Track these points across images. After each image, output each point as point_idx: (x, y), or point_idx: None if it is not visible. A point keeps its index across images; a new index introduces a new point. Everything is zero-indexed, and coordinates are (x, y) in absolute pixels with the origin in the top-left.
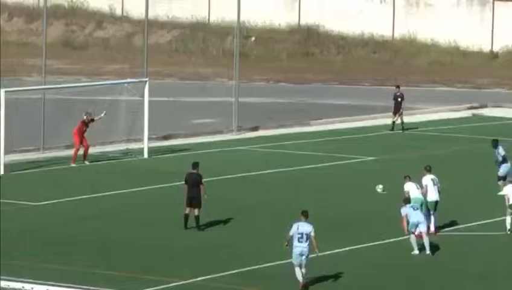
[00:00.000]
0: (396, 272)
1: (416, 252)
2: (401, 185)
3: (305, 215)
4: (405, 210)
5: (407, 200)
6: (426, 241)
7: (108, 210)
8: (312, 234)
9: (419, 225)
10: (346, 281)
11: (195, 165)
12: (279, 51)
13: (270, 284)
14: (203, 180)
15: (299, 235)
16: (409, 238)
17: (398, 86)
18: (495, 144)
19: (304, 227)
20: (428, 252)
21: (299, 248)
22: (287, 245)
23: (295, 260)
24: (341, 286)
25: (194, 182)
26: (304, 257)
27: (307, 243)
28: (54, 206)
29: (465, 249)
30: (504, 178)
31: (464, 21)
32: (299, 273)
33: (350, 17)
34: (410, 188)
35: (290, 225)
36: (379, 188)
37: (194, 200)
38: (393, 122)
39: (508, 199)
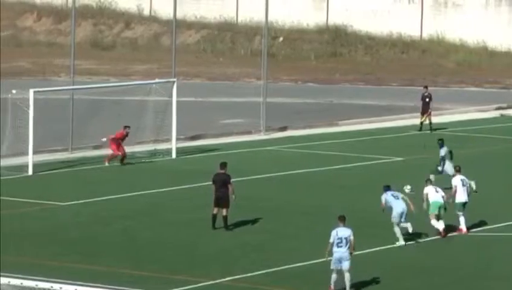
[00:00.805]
0: (424, 272)
1: (402, 243)
2: None
3: (342, 220)
4: (384, 196)
5: (388, 187)
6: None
7: (136, 210)
8: (351, 237)
9: (403, 215)
10: (375, 282)
11: (224, 165)
12: (307, 51)
13: (298, 284)
14: (232, 180)
15: (338, 241)
16: (393, 228)
17: (426, 87)
18: (441, 143)
19: (342, 232)
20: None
21: (338, 253)
22: (327, 257)
23: (333, 264)
24: (370, 287)
25: (222, 182)
26: (343, 262)
27: (346, 248)
28: (81, 206)
29: (494, 250)
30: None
31: (492, 21)
32: (334, 279)
33: (378, 17)
34: (429, 191)
35: (329, 233)
36: (407, 188)
37: (221, 201)
38: (422, 122)
39: None
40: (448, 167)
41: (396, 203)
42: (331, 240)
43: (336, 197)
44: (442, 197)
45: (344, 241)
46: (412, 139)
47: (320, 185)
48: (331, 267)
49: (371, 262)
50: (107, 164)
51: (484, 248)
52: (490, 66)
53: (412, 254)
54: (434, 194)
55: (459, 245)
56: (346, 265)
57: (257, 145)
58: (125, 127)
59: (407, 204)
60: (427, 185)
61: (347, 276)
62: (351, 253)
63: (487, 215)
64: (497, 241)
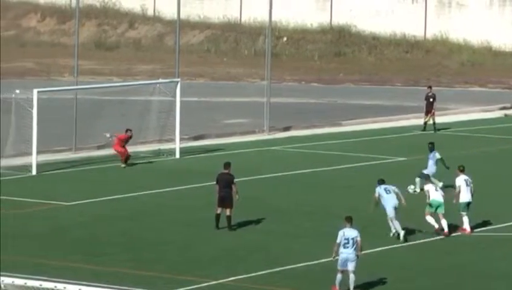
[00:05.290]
0: (428, 273)
1: (402, 232)
2: None
3: (349, 221)
4: (377, 190)
5: (382, 181)
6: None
7: (140, 210)
8: (358, 238)
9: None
10: (380, 282)
11: (227, 165)
12: (311, 51)
13: (301, 284)
14: (235, 180)
15: (345, 241)
16: (389, 221)
17: (430, 87)
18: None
19: (349, 232)
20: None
21: (344, 253)
22: (334, 257)
23: (339, 265)
24: (376, 287)
25: (225, 182)
26: (349, 263)
27: (353, 249)
28: (85, 206)
29: (496, 250)
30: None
31: (496, 21)
32: (339, 279)
33: (382, 17)
34: (430, 189)
35: (336, 233)
36: (411, 188)
37: (225, 201)
38: (425, 122)
39: None
40: (431, 167)
41: (388, 198)
42: (338, 241)
43: (339, 197)
44: (442, 196)
45: (351, 242)
46: (415, 139)
47: (323, 185)
48: (338, 267)
49: (376, 262)
50: (123, 166)
51: (488, 247)
52: (494, 66)
53: (417, 254)
54: (434, 193)
55: (462, 245)
56: (351, 266)
57: (260, 145)
58: (127, 130)
59: (398, 198)
60: (427, 183)
61: (352, 277)
62: (357, 255)
63: (490, 216)
64: (501, 241)
